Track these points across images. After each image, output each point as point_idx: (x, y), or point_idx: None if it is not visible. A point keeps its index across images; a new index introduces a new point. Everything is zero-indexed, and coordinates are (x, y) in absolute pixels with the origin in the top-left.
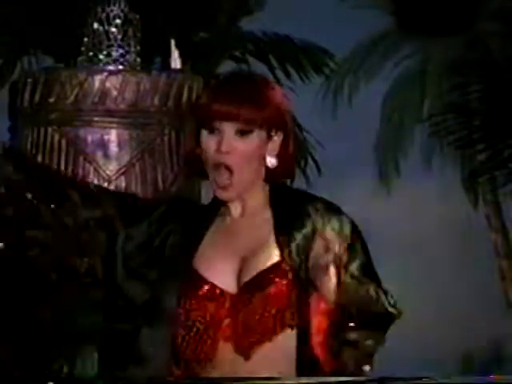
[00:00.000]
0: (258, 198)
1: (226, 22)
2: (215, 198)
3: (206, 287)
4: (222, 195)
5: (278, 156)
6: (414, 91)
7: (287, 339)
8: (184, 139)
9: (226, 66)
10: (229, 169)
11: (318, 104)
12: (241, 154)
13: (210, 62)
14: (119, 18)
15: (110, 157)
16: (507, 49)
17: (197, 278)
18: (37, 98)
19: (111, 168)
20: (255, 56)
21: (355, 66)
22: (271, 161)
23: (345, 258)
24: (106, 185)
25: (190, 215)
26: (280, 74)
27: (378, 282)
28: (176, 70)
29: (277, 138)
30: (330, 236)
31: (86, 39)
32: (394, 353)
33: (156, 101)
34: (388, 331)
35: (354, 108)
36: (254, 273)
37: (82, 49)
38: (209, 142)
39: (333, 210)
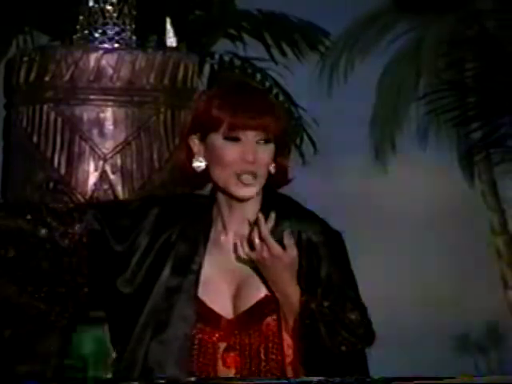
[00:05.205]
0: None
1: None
2: (205, 204)
3: (205, 312)
4: (247, 193)
5: (276, 164)
6: (409, 68)
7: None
8: (175, 150)
9: (221, 44)
10: (253, 174)
11: (313, 82)
12: (262, 161)
13: (206, 40)
14: None
15: (106, 135)
16: (502, 26)
17: (198, 304)
18: (32, 76)
19: (107, 146)
20: (250, 34)
21: (350, 43)
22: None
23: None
24: (101, 163)
25: (188, 222)
26: (275, 52)
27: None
28: (171, 48)
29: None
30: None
31: (81, 17)
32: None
33: (152, 79)
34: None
35: (350, 85)
36: (250, 303)
37: (78, 27)
38: (231, 151)
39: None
